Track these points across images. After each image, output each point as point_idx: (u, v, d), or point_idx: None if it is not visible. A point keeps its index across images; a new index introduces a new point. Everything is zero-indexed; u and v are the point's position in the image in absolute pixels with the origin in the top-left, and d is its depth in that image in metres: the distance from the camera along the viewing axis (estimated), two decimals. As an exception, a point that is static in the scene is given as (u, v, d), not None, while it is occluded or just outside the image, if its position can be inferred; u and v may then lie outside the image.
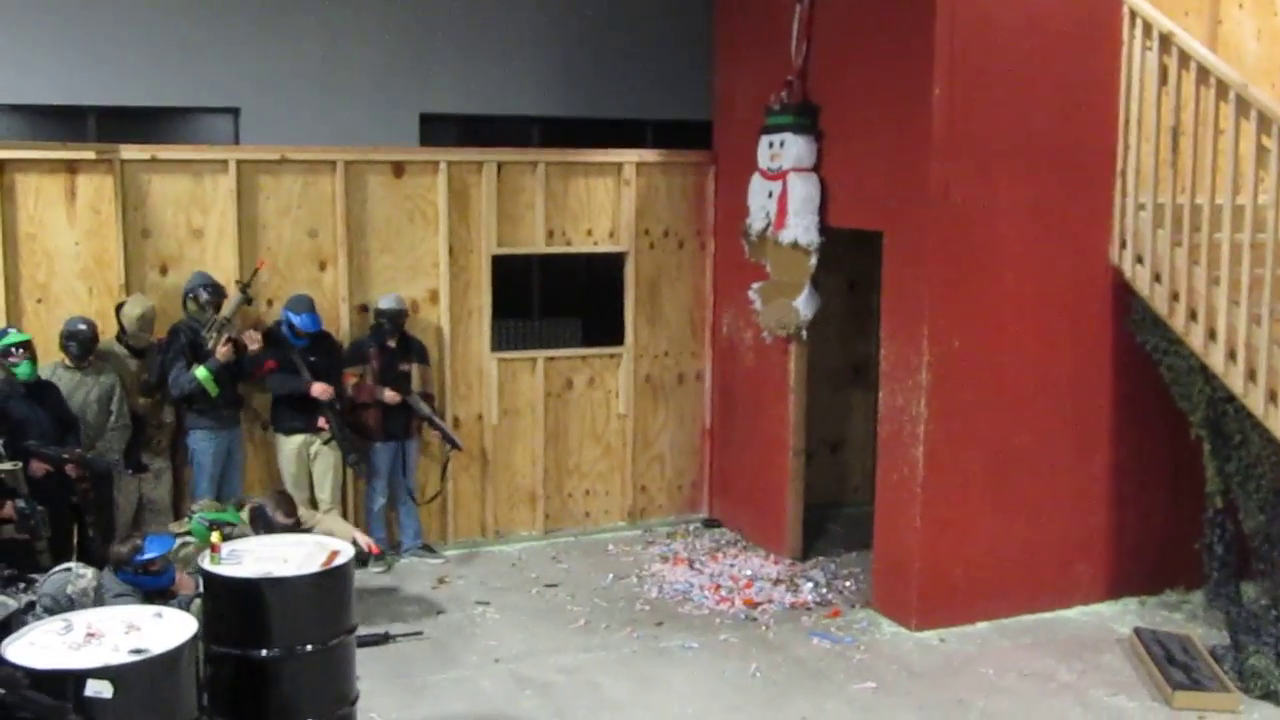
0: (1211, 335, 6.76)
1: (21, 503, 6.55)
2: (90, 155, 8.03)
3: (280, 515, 6.86)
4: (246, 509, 6.96)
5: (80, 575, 5.45)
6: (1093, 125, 7.39)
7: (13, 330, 7.19)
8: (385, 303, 8.38)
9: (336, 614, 5.70)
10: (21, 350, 7.01)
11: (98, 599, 5.48)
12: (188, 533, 6.67)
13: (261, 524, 6.77)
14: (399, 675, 6.80)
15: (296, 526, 6.94)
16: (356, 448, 8.24)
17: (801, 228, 8.09)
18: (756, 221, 8.47)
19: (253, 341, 7.94)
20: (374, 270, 8.67)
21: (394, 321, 8.34)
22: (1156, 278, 7.16)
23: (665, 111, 11.23)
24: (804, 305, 8.23)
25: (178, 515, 7.71)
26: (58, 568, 5.53)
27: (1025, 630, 7.47)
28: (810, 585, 8.26)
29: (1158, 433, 7.61)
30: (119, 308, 7.78)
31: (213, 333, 7.79)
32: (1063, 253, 7.46)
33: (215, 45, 10.19)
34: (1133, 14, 7.22)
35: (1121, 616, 7.66)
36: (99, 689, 4.65)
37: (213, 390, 7.74)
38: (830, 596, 8.07)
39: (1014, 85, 7.23)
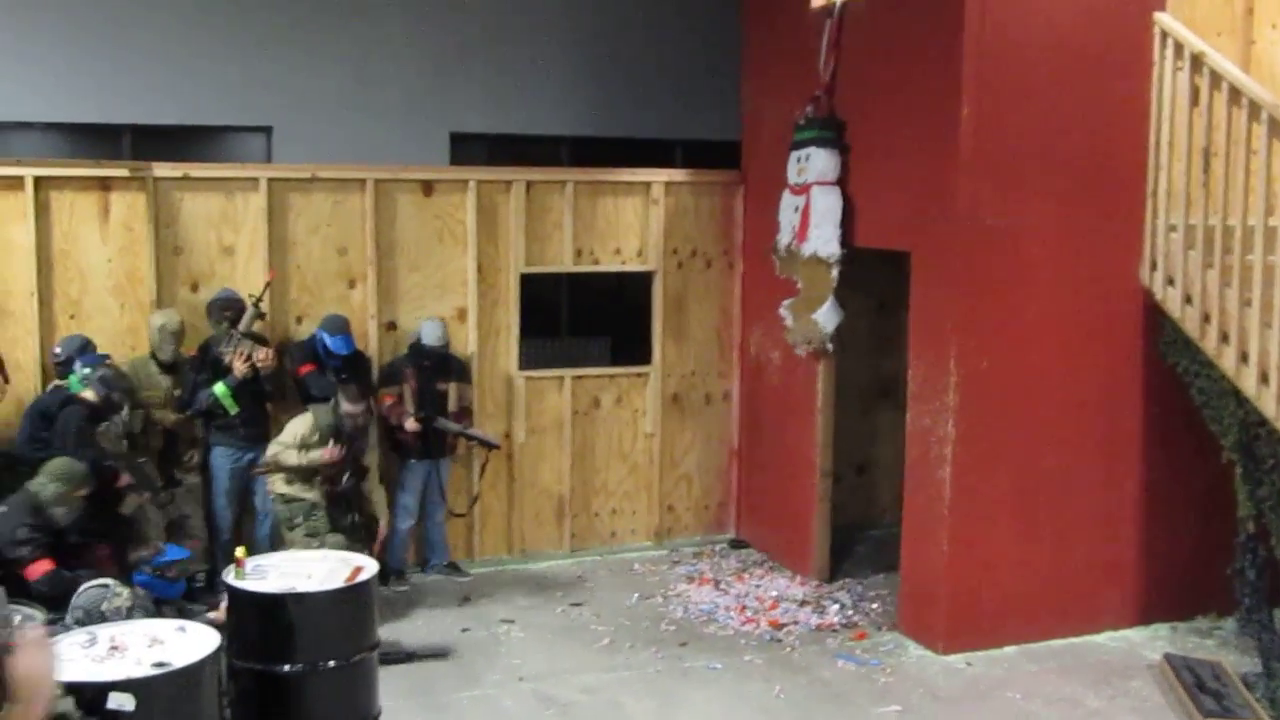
0: (1244, 358, 6.66)
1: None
2: (124, 173, 8.10)
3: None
4: None
5: (117, 594, 5.45)
6: (1123, 145, 7.35)
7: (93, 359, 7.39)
8: (429, 339, 8.29)
9: (360, 630, 5.74)
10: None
11: (129, 619, 5.50)
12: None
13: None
14: (421, 693, 6.79)
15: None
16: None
17: (821, 240, 8.09)
18: (784, 236, 8.48)
19: (263, 360, 7.85)
20: (403, 288, 8.69)
21: (437, 356, 8.30)
22: (1188, 299, 7.09)
23: (694, 131, 11.22)
24: (825, 318, 8.20)
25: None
26: (94, 582, 5.53)
27: (1053, 655, 7.40)
28: (836, 607, 8.23)
29: (1188, 456, 7.54)
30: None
31: (230, 348, 7.80)
32: (1092, 274, 7.42)
33: (248, 65, 10.27)
34: (1164, 34, 7.19)
35: (1151, 642, 7.59)
36: (121, 702, 4.67)
37: (230, 407, 7.78)
38: (856, 619, 8.04)
39: (1043, 104, 7.20)
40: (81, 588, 5.48)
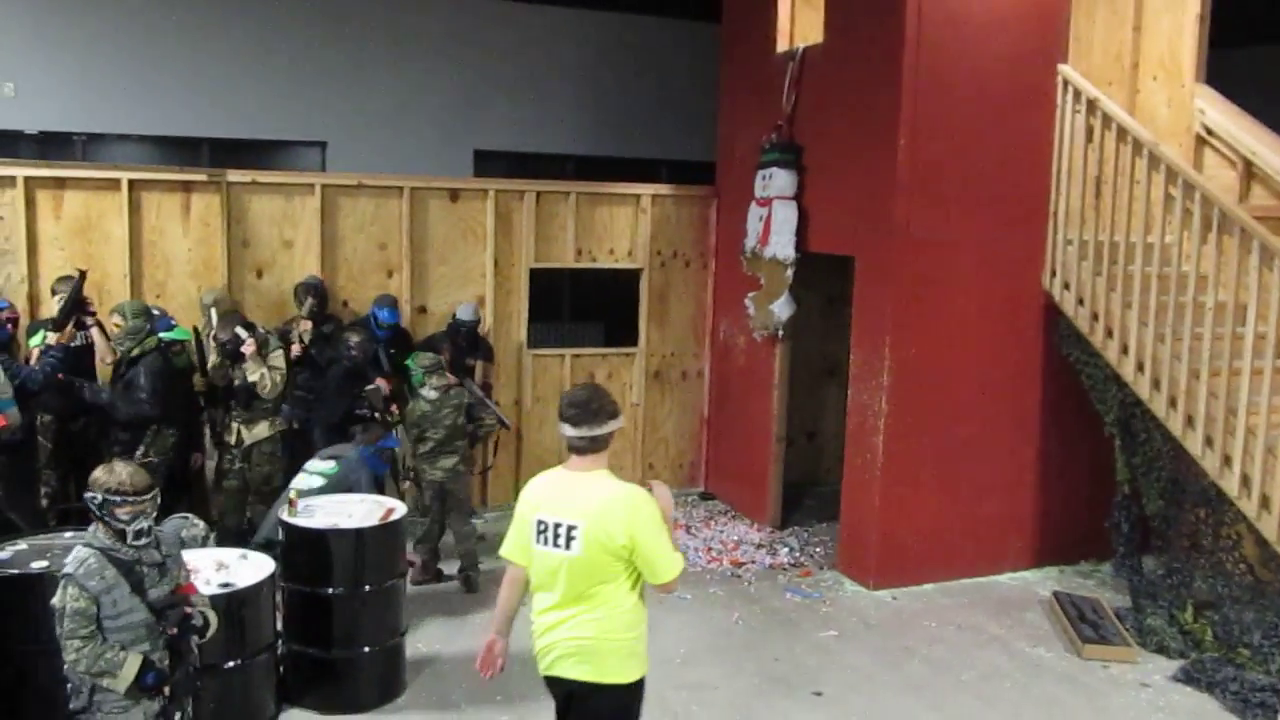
0: (1124, 350, 6.78)
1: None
2: (202, 178, 8.09)
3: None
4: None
5: (195, 524, 5.54)
6: (1030, 172, 7.37)
7: (176, 326, 7.27)
8: (463, 314, 8.20)
9: (391, 560, 5.80)
10: (180, 346, 7.15)
11: (203, 547, 5.58)
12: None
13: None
14: (442, 613, 6.86)
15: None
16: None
17: (780, 245, 8.11)
18: (750, 241, 8.49)
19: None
20: (432, 278, 8.69)
21: (471, 330, 8.20)
22: (1080, 301, 7.17)
23: (677, 153, 11.30)
24: (779, 308, 8.25)
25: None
26: (176, 515, 5.61)
27: (964, 591, 7.48)
28: (786, 550, 8.27)
29: (1077, 429, 7.61)
30: None
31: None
32: (1003, 278, 7.46)
33: (308, 91, 10.36)
34: (1065, 82, 7.23)
35: (1043, 582, 7.67)
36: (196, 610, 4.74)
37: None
38: (803, 559, 8.09)
39: (966, 137, 7.22)
40: (167, 520, 5.58)
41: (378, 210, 8.50)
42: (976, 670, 6.29)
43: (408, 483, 7.65)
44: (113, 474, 3.85)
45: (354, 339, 7.42)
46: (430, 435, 7.14)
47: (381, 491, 6.72)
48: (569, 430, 3.88)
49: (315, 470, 6.60)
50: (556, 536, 3.81)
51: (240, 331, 6.98)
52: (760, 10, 8.68)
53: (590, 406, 3.87)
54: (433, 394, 7.12)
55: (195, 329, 7.49)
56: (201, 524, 5.63)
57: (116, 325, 6.85)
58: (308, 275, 8.09)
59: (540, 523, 3.87)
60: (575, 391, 4.01)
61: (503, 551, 4.06)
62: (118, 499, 3.81)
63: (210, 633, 4.09)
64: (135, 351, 6.72)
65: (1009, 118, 7.31)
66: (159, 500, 3.96)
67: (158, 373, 6.70)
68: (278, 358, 7.14)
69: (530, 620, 3.97)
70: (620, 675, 3.86)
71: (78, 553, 3.86)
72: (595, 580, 3.79)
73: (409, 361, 7.28)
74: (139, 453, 6.58)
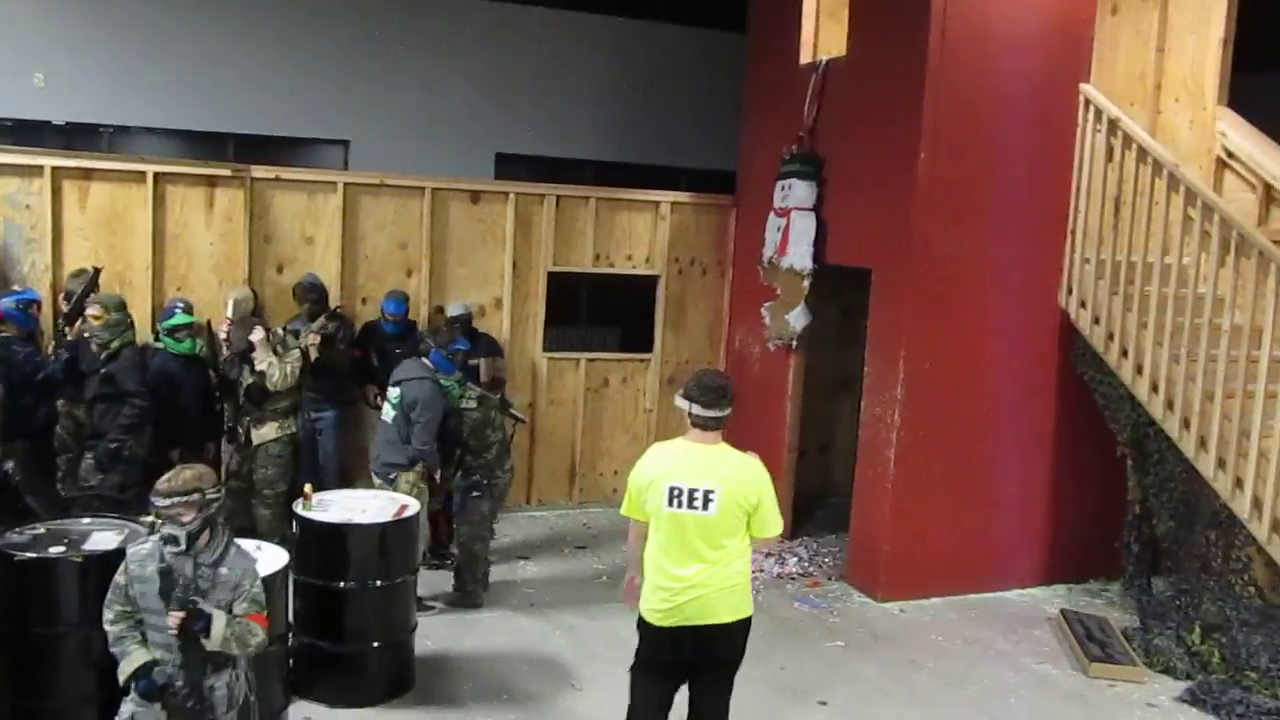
0: (1139, 370, 6.80)
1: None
2: (227, 172, 8.14)
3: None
4: None
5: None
6: (1049, 191, 7.39)
7: (177, 310, 7.06)
8: (454, 310, 8.22)
9: (403, 556, 5.80)
10: (185, 330, 6.98)
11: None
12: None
13: None
14: (452, 611, 6.89)
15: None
16: None
17: (798, 255, 8.13)
18: (768, 250, 8.50)
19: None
20: (451, 279, 8.74)
21: (465, 324, 8.14)
22: (1096, 320, 7.18)
23: (697, 161, 11.31)
24: (795, 319, 8.28)
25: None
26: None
27: (971, 606, 7.49)
28: (796, 560, 8.28)
29: (1090, 448, 7.60)
30: None
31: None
32: (1019, 295, 7.48)
33: (332, 90, 10.42)
34: (1087, 101, 7.26)
35: (1051, 599, 7.66)
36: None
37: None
38: (811, 570, 8.10)
39: (986, 154, 7.25)
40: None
41: (399, 210, 8.55)
42: (983, 685, 6.30)
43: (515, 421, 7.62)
44: (163, 478, 3.88)
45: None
46: (492, 439, 7.10)
47: (446, 397, 6.73)
48: (701, 410, 4.43)
49: (389, 400, 6.73)
50: (693, 500, 4.38)
51: (253, 337, 6.95)
52: (785, 22, 8.72)
53: (724, 393, 4.47)
54: (473, 404, 7.06)
55: (209, 323, 7.42)
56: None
57: (96, 318, 6.56)
58: (306, 275, 8.09)
59: (674, 489, 4.39)
60: (707, 377, 4.55)
61: (625, 510, 4.62)
62: (151, 503, 3.85)
63: (215, 641, 3.83)
64: (115, 344, 6.53)
65: (1030, 135, 7.33)
66: (204, 509, 3.85)
67: (140, 365, 6.62)
68: (293, 355, 7.14)
69: (657, 583, 4.46)
70: (748, 608, 4.55)
71: (146, 540, 4.02)
72: (726, 535, 4.41)
73: (444, 382, 6.99)
74: (113, 445, 6.38)
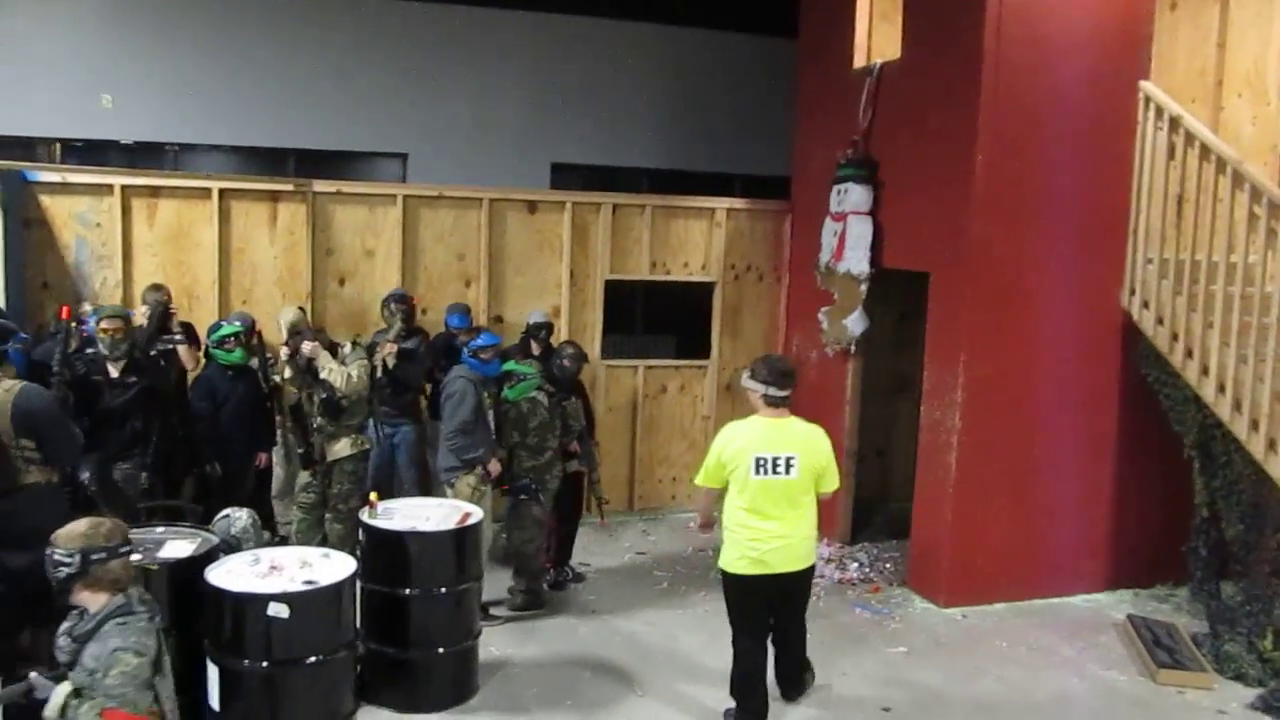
0: (1205, 371, 6.68)
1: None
2: (289, 187, 8.30)
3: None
4: None
5: (237, 517, 5.61)
6: (1110, 190, 7.32)
7: (225, 323, 7.24)
8: (535, 317, 8.15)
9: (466, 564, 5.87)
10: (233, 340, 7.09)
11: (257, 532, 5.65)
12: None
13: None
14: (515, 618, 6.94)
15: None
16: None
17: (855, 260, 8.12)
18: (824, 255, 8.49)
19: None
20: (509, 289, 8.82)
21: (547, 332, 8.06)
22: (1160, 321, 7.09)
23: (751, 167, 11.33)
24: (853, 323, 8.27)
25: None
26: (219, 515, 5.69)
27: (1035, 612, 7.41)
28: (856, 565, 8.26)
29: (1154, 451, 7.49)
30: None
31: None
32: (1080, 297, 7.40)
33: (390, 104, 10.58)
34: (1147, 99, 7.18)
35: (1117, 605, 7.56)
36: (279, 610, 4.90)
37: None
38: (872, 575, 8.07)
39: (1045, 154, 7.19)
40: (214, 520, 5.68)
41: (457, 221, 8.65)
42: (1048, 691, 6.24)
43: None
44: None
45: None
46: (549, 444, 7.10)
47: (480, 404, 6.73)
48: (775, 391, 5.34)
49: None
50: (776, 466, 5.27)
51: (305, 349, 6.83)
52: (838, 26, 8.72)
53: (793, 375, 5.47)
54: (544, 399, 7.06)
55: (257, 333, 7.46)
56: (244, 513, 5.63)
57: (115, 331, 6.43)
58: (396, 289, 8.16)
59: (760, 458, 5.26)
60: (778, 363, 5.51)
61: (699, 480, 5.51)
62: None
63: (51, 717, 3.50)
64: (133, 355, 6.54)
65: (1089, 135, 7.26)
66: (80, 573, 3.54)
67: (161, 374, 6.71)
68: (356, 366, 6.92)
69: (745, 540, 5.33)
70: (815, 558, 5.64)
71: None
72: (803, 493, 5.37)
73: (514, 365, 7.08)
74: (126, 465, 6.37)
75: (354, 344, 7.16)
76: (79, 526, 3.62)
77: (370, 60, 10.52)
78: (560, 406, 7.23)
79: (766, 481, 5.27)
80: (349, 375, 6.78)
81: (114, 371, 6.40)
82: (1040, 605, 7.52)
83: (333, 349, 6.95)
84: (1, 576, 4.77)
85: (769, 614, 5.58)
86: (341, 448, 6.92)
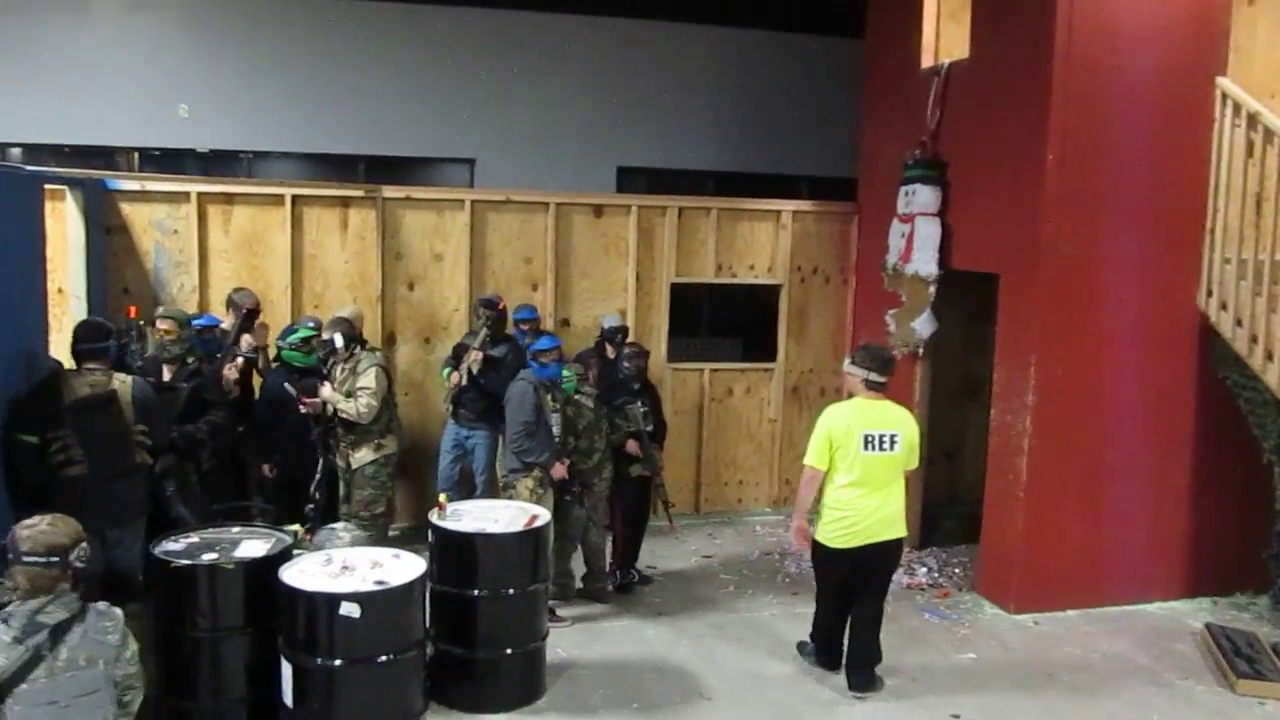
0: (1286, 374, 6.55)
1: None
2: (359, 193, 8.42)
3: None
4: None
5: (341, 536, 5.77)
6: (1186, 188, 7.18)
7: (300, 326, 7.35)
8: (609, 321, 8.20)
9: (534, 566, 5.90)
10: (305, 343, 7.21)
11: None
12: None
13: None
14: (581, 619, 6.98)
15: None
16: None
17: (923, 261, 8.05)
18: (892, 257, 8.44)
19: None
20: (575, 292, 8.87)
21: (622, 336, 8.09)
22: (1238, 322, 6.93)
23: (817, 169, 11.25)
24: (921, 325, 8.21)
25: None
26: (327, 526, 5.88)
27: (1109, 619, 7.29)
28: (925, 570, 8.20)
29: (1233, 455, 7.34)
30: None
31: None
32: (1155, 297, 7.28)
33: (458, 110, 10.70)
34: (1224, 95, 7.03)
35: (1195, 613, 7.41)
36: (350, 610, 4.97)
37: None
38: (941, 580, 8.00)
39: (1118, 152, 7.08)
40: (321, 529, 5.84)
41: (524, 225, 8.71)
42: (1122, 700, 6.13)
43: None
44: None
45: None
46: (598, 446, 7.15)
47: (540, 408, 6.72)
48: (877, 376, 5.90)
49: None
50: (882, 442, 5.82)
51: (323, 393, 6.96)
52: (905, 26, 8.66)
53: (893, 362, 6.08)
54: (588, 401, 7.14)
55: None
56: (349, 535, 5.78)
57: (168, 332, 6.80)
58: (486, 293, 8.20)
59: (867, 436, 5.79)
60: (876, 350, 6.12)
61: (810, 461, 5.90)
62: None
63: None
64: (190, 360, 6.77)
65: (1163, 132, 7.14)
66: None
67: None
68: (368, 377, 6.93)
69: (845, 514, 5.84)
70: (905, 529, 6.07)
71: None
72: (902, 467, 5.93)
73: (565, 370, 7.08)
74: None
75: (368, 348, 7.24)
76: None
77: (437, 68, 10.65)
78: (606, 406, 7.25)
79: (873, 457, 5.79)
80: (359, 409, 6.88)
81: (166, 374, 6.63)
82: (1114, 612, 7.39)
83: (328, 354, 7.10)
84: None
85: (851, 591, 6.03)
86: (363, 455, 7.04)
